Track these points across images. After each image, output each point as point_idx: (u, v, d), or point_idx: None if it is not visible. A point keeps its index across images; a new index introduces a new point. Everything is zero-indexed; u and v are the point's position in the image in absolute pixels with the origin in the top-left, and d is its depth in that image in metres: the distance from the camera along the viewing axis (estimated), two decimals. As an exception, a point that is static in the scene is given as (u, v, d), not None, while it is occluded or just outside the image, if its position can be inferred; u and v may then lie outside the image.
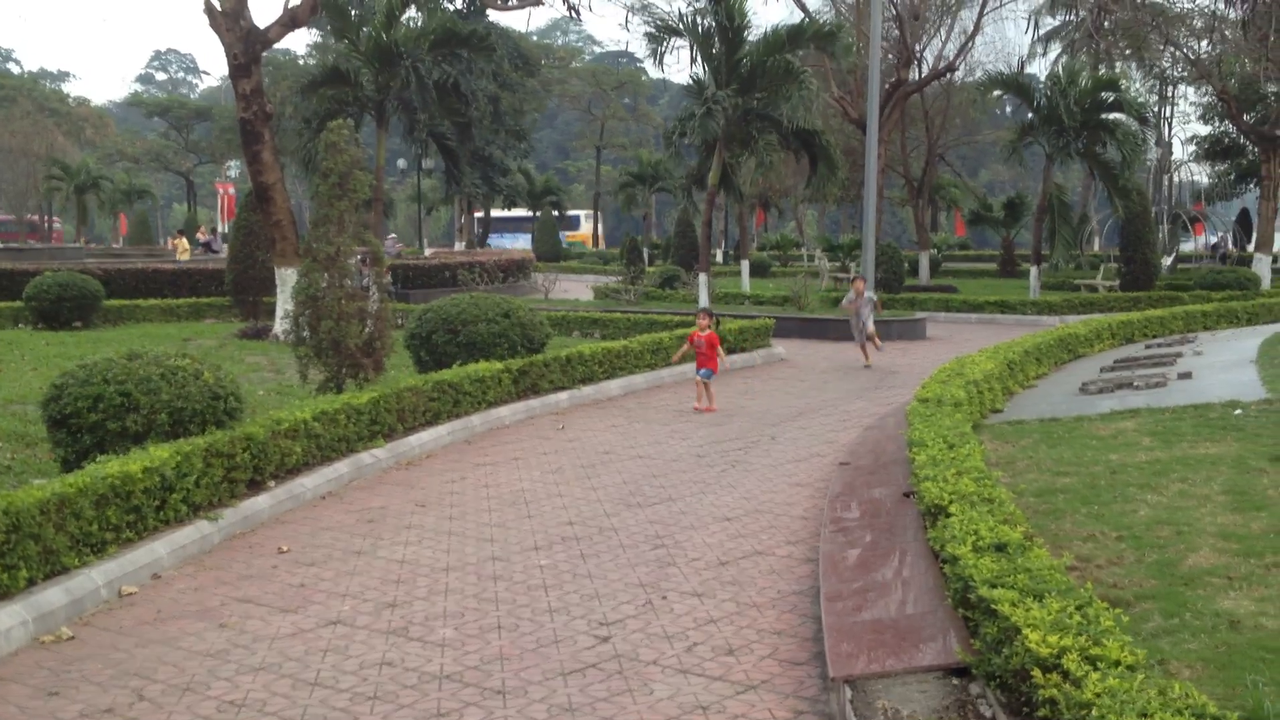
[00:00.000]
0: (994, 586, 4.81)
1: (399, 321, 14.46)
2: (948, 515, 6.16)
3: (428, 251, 46.85)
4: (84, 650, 6.12)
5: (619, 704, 5.31)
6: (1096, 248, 45.09)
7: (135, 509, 7.50)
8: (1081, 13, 39.02)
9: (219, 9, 20.56)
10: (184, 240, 46.52)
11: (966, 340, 21.78)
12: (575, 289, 33.64)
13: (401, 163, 54.80)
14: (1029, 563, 5.11)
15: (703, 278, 21.55)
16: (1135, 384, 13.13)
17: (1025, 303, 28.41)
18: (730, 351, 18.71)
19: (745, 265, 33.62)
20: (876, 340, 19.10)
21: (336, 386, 12.34)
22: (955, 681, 4.89)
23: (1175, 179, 55.83)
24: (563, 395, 14.67)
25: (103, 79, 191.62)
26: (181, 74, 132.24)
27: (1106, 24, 36.36)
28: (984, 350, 14.29)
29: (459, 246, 55.72)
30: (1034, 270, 31.01)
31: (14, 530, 6.35)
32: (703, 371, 14.55)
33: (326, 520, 8.90)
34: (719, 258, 51.23)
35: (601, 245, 71.42)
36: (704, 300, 21.26)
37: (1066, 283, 34.47)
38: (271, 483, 9.27)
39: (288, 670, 5.79)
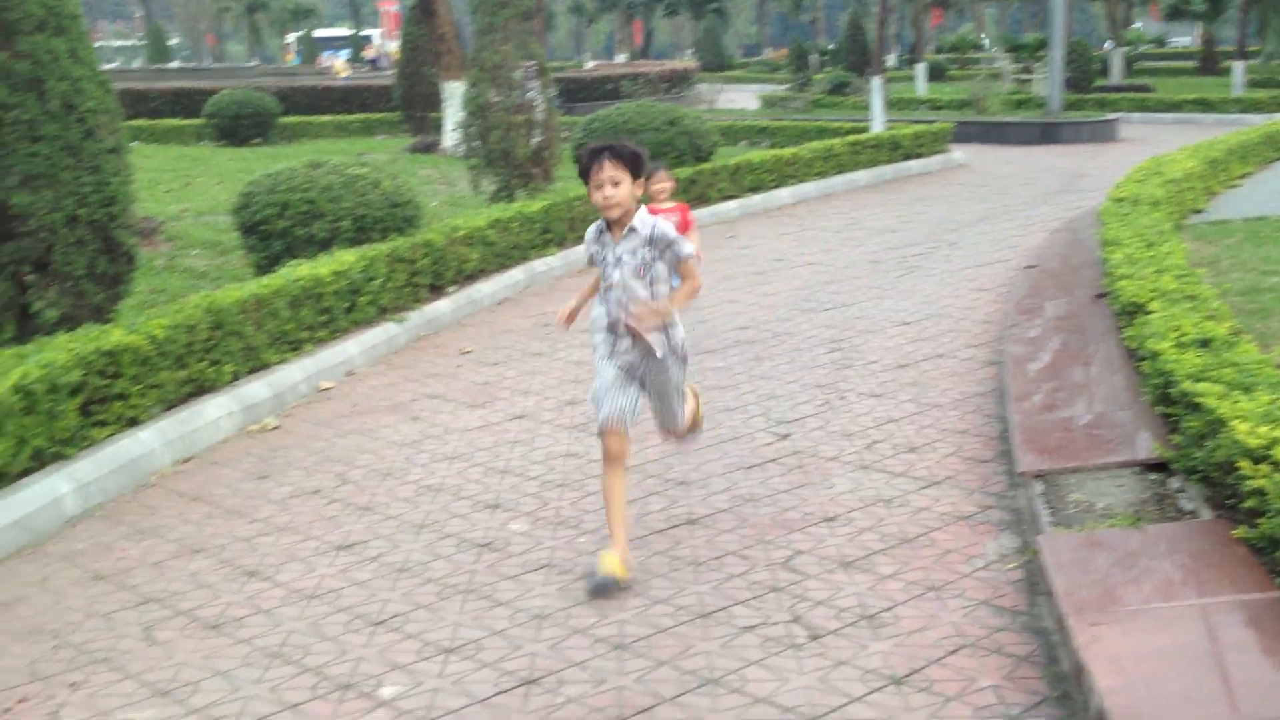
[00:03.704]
0: (1198, 380, 4.61)
1: (565, 133, 14.42)
2: (1147, 313, 5.91)
3: (589, 64, 46.35)
4: (288, 439, 6.45)
5: (800, 495, 5.35)
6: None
7: (327, 310, 7.78)
8: None
9: None
10: (340, 60, 47.03)
11: (1163, 141, 20.58)
12: (740, 99, 32.93)
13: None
14: (1235, 357, 4.87)
15: (875, 82, 20.71)
16: (1349, 182, 12.28)
17: (1228, 100, 26.67)
18: (906, 158, 18.14)
19: (921, 68, 32.33)
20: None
21: (508, 196, 12.45)
22: (1153, 477, 4.76)
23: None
24: (732, 204, 14.50)
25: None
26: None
27: None
28: (1183, 149, 13.49)
29: (620, 59, 54.95)
30: (1238, 66, 29.02)
31: (217, 328, 6.66)
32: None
33: (505, 324, 9.09)
34: (892, 62, 49.35)
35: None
36: (878, 108, 20.46)
37: (1273, 79, 32.10)
38: (452, 288, 9.49)
39: (478, 459, 6.01)
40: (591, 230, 4.71)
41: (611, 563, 4.44)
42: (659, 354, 4.59)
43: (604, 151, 4.42)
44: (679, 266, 4.56)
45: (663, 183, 8.11)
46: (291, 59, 63.21)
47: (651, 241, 4.52)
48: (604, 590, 4.37)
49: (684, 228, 7.95)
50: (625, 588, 4.42)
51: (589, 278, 4.79)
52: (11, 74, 6.40)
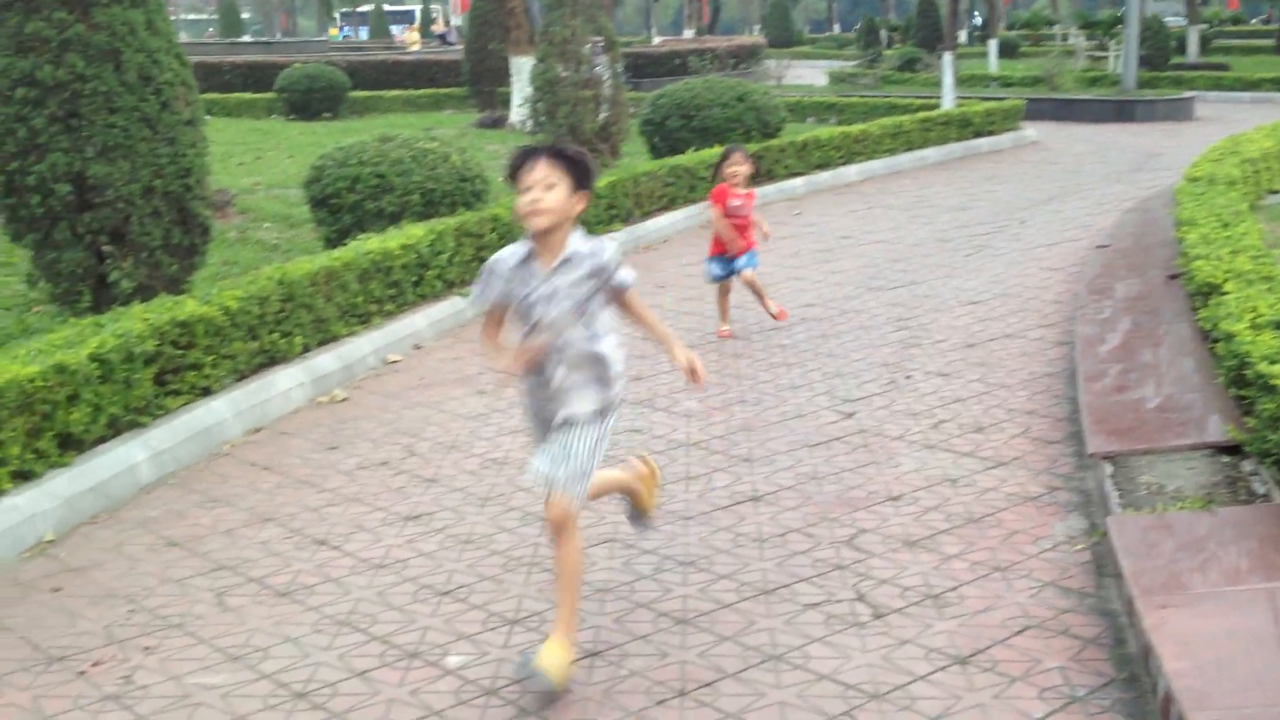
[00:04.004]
0: (1273, 363, 4.52)
1: (632, 109, 14.41)
2: (1222, 294, 5.81)
3: (657, 40, 46.19)
4: (356, 411, 6.54)
5: (865, 474, 5.33)
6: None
7: (395, 284, 7.86)
8: None
9: None
10: (414, 33, 47.35)
11: (1239, 120, 20.15)
12: (809, 75, 32.67)
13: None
14: (1313, 340, 4.78)
15: (947, 57, 20.43)
16: None
17: (1308, 80, 26.06)
18: (976, 135, 17.90)
19: (993, 44, 31.84)
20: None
21: (576, 171, 12.47)
22: (1225, 459, 4.69)
23: None
24: (798, 181, 14.41)
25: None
26: None
27: None
28: (1260, 128, 13.19)
29: (688, 34, 54.72)
30: (1317, 44, 28.25)
31: (288, 300, 6.75)
32: (744, 260, 7.68)
33: (571, 299, 9.11)
34: (963, 39, 48.60)
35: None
36: (948, 84, 20.18)
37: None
38: (518, 262, 9.52)
39: (543, 434, 6.04)
40: (506, 257, 3.61)
41: (554, 656, 3.53)
42: (588, 409, 3.63)
43: (542, 150, 3.53)
44: (621, 298, 3.68)
45: (738, 165, 7.66)
46: (336, 34, 64.22)
47: (597, 271, 3.56)
48: (536, 686, 3.52)
49: (750, 199, 7.80)
50: (562, 696, 3.54)
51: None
52: (89, 45, 6.50)
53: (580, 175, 3.52)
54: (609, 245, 3.66)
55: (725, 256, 7.74)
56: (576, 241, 3.58)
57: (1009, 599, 4.08)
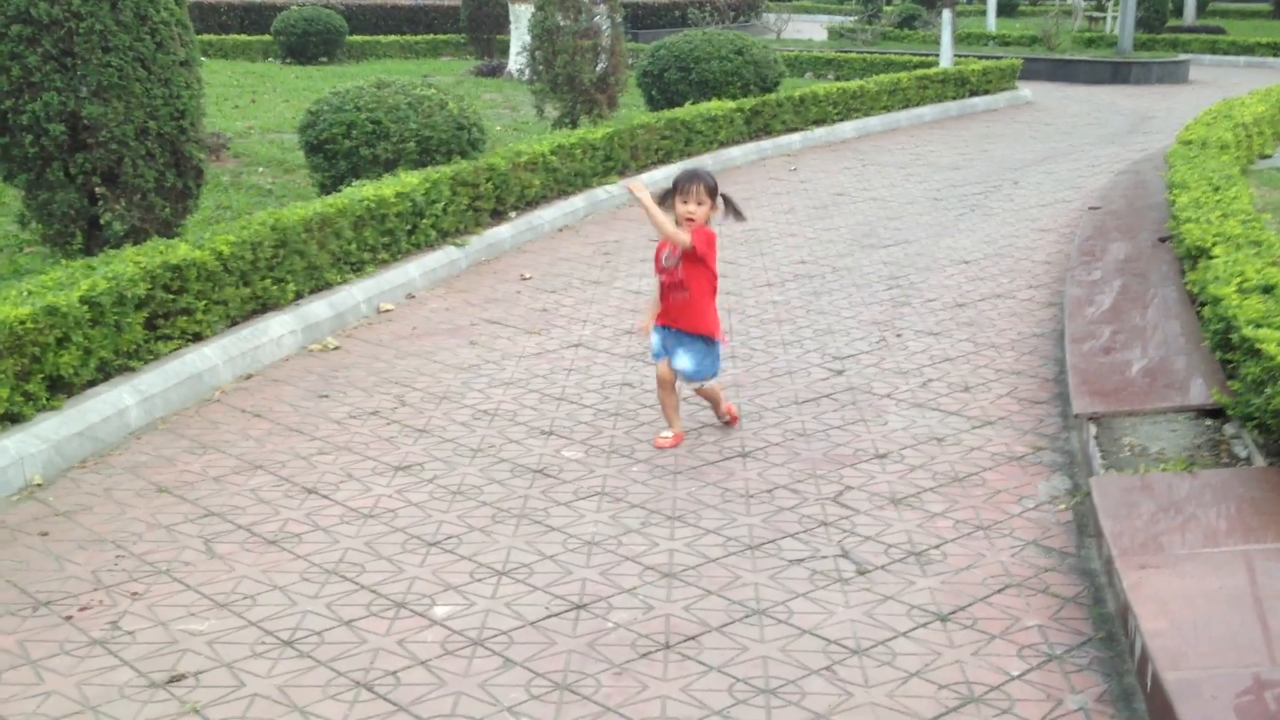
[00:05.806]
0: (1259, 327, 4.55)
1: (630, 61, 14.31)
2: (1210, 257, 5.83)
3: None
4: (348, 359, 6.56)
5: (853, 432, 5.37)
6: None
7: (389, 232, 7.84)
8: None
9: None
10: None
11: (1234, 84, 20.14)
12: (808, 29, 32.45)
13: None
14: (1300, 306, 4.80)
15: (946, 14, 20.27)
16: None
17: (1303, 44, 26.02)
18: (973, 94, 17.84)
19: (991, 2, 31.59)
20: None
21: (571, 122, 12.42)
22: (1208, 423, 4.74)
23: None
24: (795, 137, 14.36)
25: None
26: None
27: None
28: (1254, 93, 13.18)
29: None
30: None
31: (281, 245, 6.74)
32: (686, 362, 5.12)
33: (565, 251, 9.12)
34: (962, -4, 48.22)
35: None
36: (947, 42, 20.00)
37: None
38: (513, 214, 9.52)
39: (534, 386, 6.08)
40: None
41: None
42: None
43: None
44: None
45: (694, 205, 5.01)
46: None
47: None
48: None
49: (709, 254, 5.14)
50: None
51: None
52: (85, -16, 6.43)
53: None
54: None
55: (670, 327, 5.17)
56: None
57: (991, 557, 4.14)
